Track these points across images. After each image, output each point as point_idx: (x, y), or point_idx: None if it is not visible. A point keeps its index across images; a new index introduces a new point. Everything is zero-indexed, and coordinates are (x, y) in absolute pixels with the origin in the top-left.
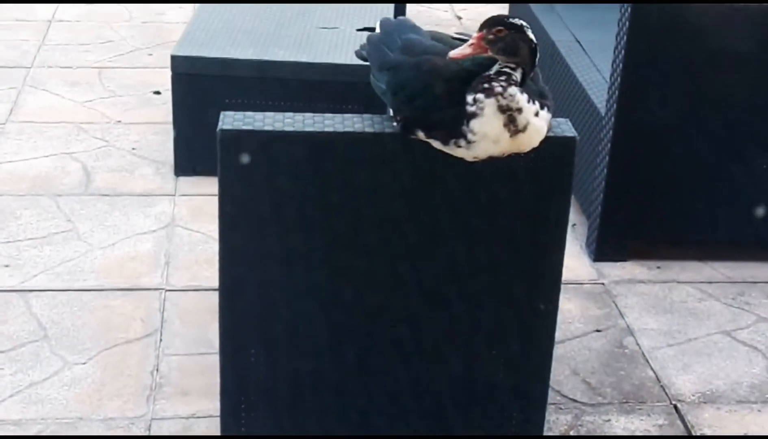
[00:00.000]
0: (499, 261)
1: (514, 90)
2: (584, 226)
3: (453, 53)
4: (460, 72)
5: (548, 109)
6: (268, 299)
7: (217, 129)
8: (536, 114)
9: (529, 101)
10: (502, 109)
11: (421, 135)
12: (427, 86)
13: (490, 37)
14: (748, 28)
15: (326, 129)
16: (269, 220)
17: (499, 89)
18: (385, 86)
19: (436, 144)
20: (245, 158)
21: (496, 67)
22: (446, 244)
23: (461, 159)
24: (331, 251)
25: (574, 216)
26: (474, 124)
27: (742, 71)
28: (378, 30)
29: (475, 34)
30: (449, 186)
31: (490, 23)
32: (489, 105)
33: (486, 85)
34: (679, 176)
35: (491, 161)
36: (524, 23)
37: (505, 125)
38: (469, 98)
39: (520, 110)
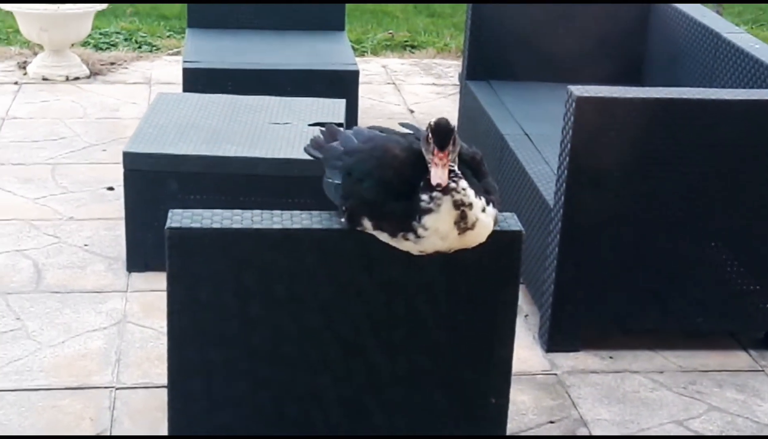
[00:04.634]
0: (446, 354)
1: (465, 183)
2: (536, 316)
3: (436, 180)
4: (410, 157)
5: (494, 205)
6: (213, 389)
7: (165, 227)
8: (483, 210)
9: (476, 196)
10: (456, 205)
11: (368, 226)
12: (378, 170)
13: (451, 148)
14: (699, 121)
15: (275, 226)
16: (215, 318)
17: (452, 185)
18: (337, 176)
19: (383, 237)
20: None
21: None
22: (391, 333)
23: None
24: (279, 349)
25: (526, 306)
26: (426, 219)
27: (688, 162)
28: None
29: (436, 153)
30: (395, 277)
31: (449, 139)
32: (446, 201)
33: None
34: (629, 265)
35: (437, 255)
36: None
37: (456, 222)
38: (425, 196)
39: (470, 206)
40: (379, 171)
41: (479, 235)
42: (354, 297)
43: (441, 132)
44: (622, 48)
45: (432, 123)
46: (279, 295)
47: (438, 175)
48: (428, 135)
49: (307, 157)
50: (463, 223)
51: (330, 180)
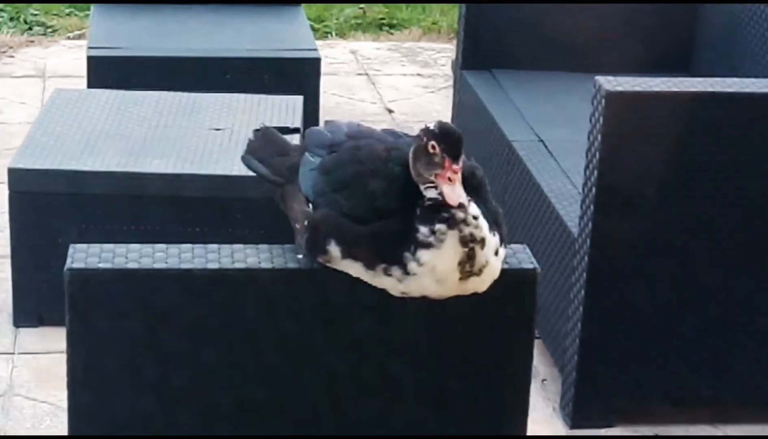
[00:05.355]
0: (434, 437)
1: (477, 210)
2: (556, 381)
3: (455, 199)
4: (399, 173)
5: (505, 244)
6: None
7: (65, 267)
8: (496, 252)
9: (490, 231)
10: (464, 241)
11: (334, 254)
12: (358, 177)
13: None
14: None
15: (209, 266)
16: (129, 389)
17: (461, 215)
18: (310, 177)
19: (355, 268)
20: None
21: (436, 188)
22: (359, 409)
23: (383, 291)
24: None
25: (544, 368)
26: (424, 254)
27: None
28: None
29: (448, 165)
30: (365, 332)
31: (461, 146)
32: (451, 236)
33: (445, 214)
34: (676, 312)
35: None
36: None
37: (461, 264)
38: (424, 229)
39: (482, 243)
40: (360, 180)
41: (483, 283)
42: (311, 361)
43: (451, 137)
44: (662, 25)
45: (433, 127)
46: (212, 359)
47: (457, 192)
48: (427, 144)
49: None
50: (469, 265)
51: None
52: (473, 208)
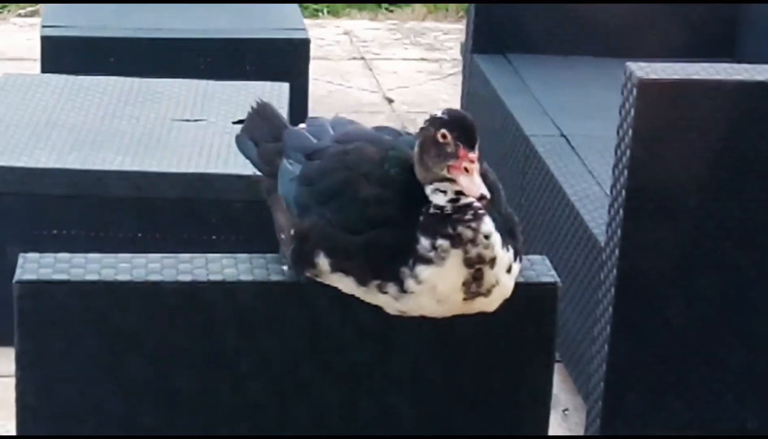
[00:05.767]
0: None
1: (490, 225)
2: (581, 412)
3: (476, 191)
4: (403, 171)
5: (520, 258)
6: None
7: (15, 279)
8: (509, 269)
9: (503, 246)
10: (470, 263)
11: (323, 267)
12: (350, 185)
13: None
14: None
15: (180, 278)
16: (89, 419)
17: (469, 234)
18: (292, 185)
19: (346, 284)
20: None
21: (445, 194)
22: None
23: (379, 309)
24: None
25: (566, 397)
26: (423, 270)
27: None
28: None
29: (463, 154)
30: (360, 357)
31: (475, 133)
32: (454, 256)
33: (450, 231)
34: (717, 333)
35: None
36: None
37: (466, 284)
38: (426, 243)
39: (492, 262)
40: (350, 187)
41: (492, 303)
42: (297, 392)
43: (465, 122)
44: (704, 4)
45: (441, 114)
46: (184, 386)
47: (476, 183)
48: (436, 134)
49: (232, 170)
50: (475, 286)
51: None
52: (486, 225)
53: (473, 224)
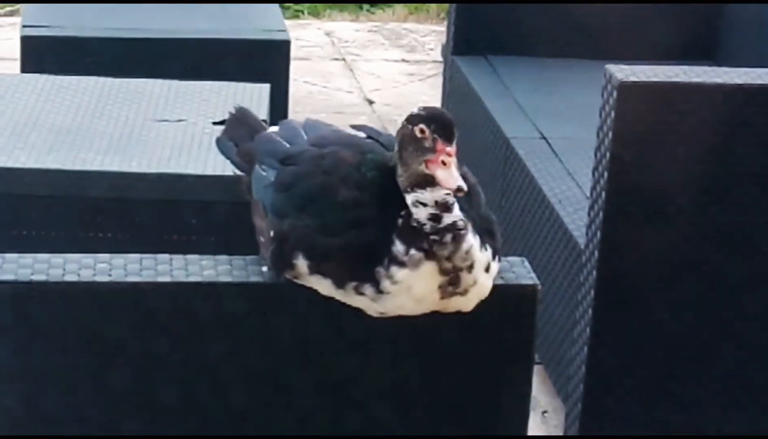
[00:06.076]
0: None
1: (471, 242)
2: (559, 414)
3: (452, 183)
4: (379, 174)
5: (498, 258)
6: None
7: None
8: (487, 268)
9: (481, 247)
10: (446, 271)
11: (302, 269)
12: (325, 190)
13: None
14: None
15: (160, 279)
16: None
17: (446, 252)
18: (267, 192)
19: (324, 286)
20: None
21: (425, 206)
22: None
23: (358, 310)
24: None
25: (545, 399)
26: (397, 271)
27: None
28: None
29: (441, 148)
30: (342, 359)
31: (453, 128)
32: (427, 265)
33: (424, 245)
34: (701, 336)
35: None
36: None
37: (441, 287)
38: (400, 247)
39: (470, 268)
40: (328, 191)
41: (469, 302)
42: (279, 396)
43: (442, 118)
44: (685, 7)
45: (418, 111)
46: (166, 398)
47: (454, 176)
48: (414, 130)
49: (213, 171)
50: (451, 287)
51: (256, 196)
52: (468, 241)
53: (451, 247)
